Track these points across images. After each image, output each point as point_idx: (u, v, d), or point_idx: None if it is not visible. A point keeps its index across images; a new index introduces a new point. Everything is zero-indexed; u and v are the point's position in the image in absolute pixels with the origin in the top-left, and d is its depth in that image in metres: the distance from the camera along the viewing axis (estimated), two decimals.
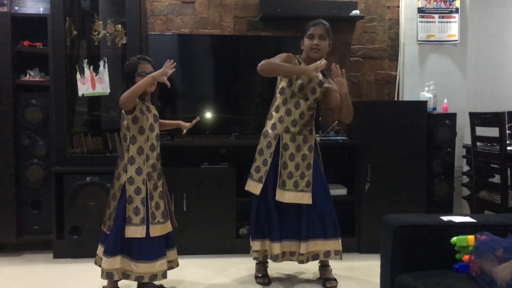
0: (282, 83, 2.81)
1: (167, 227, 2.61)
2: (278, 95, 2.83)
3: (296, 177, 2.76)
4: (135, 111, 2.50)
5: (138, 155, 2.53)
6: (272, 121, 2.82)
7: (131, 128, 2.52)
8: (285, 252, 2.82)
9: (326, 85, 2.74)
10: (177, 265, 2.73)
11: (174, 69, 2.51)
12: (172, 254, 2.67)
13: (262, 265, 2.94)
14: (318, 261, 2.91)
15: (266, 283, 2.85)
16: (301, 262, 2.79)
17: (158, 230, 2.54)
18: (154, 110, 2.61)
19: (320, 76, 2.82)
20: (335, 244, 2.80)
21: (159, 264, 2.50)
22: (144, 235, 2.48)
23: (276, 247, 2.76)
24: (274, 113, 2.83)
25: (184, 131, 2.84)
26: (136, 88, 2.42)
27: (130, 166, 2.52)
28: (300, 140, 2.78)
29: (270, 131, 2.82)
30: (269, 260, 2.92)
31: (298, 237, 2.78)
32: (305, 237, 2.75)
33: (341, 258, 2.83)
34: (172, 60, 2.51)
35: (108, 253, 2.49)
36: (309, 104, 2.79)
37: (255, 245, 2.83)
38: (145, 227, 2.48)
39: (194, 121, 2.82)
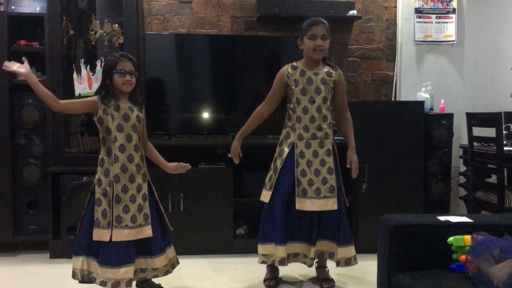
0: (288, 95, 2.79)
1: (141, 233, 2.45)
2: (287, 105, 2.82)
3: (317, 183, 2.71)
4: (98, 112, 2.43)
5: (107, 156, 2.47)
6: (286, 130, 2.81)
7: (99, 129, 2.48)
8: (290, 254, 2.76)
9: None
10: (178, 262, 2.68)
11: (17, 64, 2.28)
12: (170, 252, 2.62)
13: (272, 268, 2.89)
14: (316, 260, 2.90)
15: (272, 286, 2.82)
16: (310, 265, 2.79)
17: (125, 235, 2.41)
18: (127, 110, 2.47)
19: (325, 70, 2.76)
20: (349, 251, 2.75)
21: (123, 271, 2.37)
22: (108, 239, 2.40)
23: (281, 250, 2.70)
24: (287, 121, 2.83)
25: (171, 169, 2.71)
26: (37, 90, 2.31)
27: (100, 168, 2.48)
28: (316, 145, 2.73)
29: (284, 140, 2.81)
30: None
31: (308, 240, 2.74)
32: (314, 242, 2.72)
33: (354, 263, 2.78)
34: (5, 63, 2.29)
35: (74, 252, 2.50)
36: (318, 106, 2.72)
37: (262, 249, 2.77)
38: (109, 231, 2.40)
39: (182, 168, 2.70)
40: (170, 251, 2.63)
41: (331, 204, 2.70)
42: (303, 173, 2.72)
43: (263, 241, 2.76)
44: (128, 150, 2.47)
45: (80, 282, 2.51)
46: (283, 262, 2.71)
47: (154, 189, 2.61)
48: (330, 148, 2.77)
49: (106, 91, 2.46)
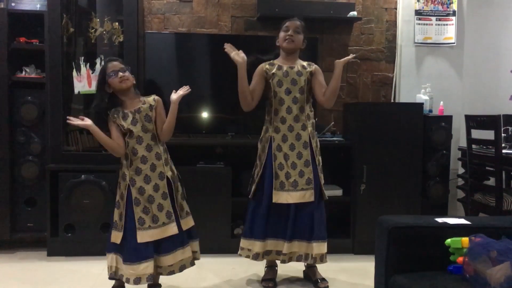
0: (267, 90, 2.83)
1: (166, 231, 2.50)
2: (266, 101, 2.86)
3: (294, 176, 2.74)
4: (116, 122, 2.50)
5: (124, 160, 2.53)
6: (265, 126, 2.86)
7: None
8: (271, 251, 2.80)
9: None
10: (198, 258, 2.68)
11: (79, 119, 2.48)
12: (194, 245, 2.65)
13: (270, 269, 2.92)
14: (304, 264, 2.91)
15: (270, 286, 2.83)
16: (283, 261, 2.80)
17: (150, 235, 2.46)
18: (134, 114, 2.51)
19: (301, 64, 2.81)
20: (320, 247, 2.75)
21: (144, 267, 2.43)
22: (119, 242, 2.47)
23: (258, 246, 2.76)
24: (266, 118, 2.87)
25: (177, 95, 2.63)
26: (101, 140, 2.49)
27: (120, 171, 2.54)
28: (293, 138, 2.76)
29: (263, 135, 2.85)
30: (279, 265, 2.93)
31: (283, 236, 2.76)
32: (289, 238, 2.74)
33: (325, 261, 2.79)
34: (69, 118, 2.50)
35: (106, 248, 2.57)
36: (294, 96, 2.76)
37: (242, 242, 2.84)
38: (121, 233, 2.46)
39: (185, 90, 2.64)
40: (187, 250, 2.59)
41: (308, 196, 2.73)
42: (280, 166, 2.76)
43: (246, 236, 2.82)
44: (140, 152, 2.50)
45: (110, 278, 2.57)
46: (257, 257, 2.77)
47: (176, 186, 2.60)
48: (307, 140, 2.78)
49: (111, 102, 2.53)
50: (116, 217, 2.52)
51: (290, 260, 2.80)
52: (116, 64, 2.50)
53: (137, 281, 2.44)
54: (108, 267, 2.55)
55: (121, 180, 2.53)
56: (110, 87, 2.52)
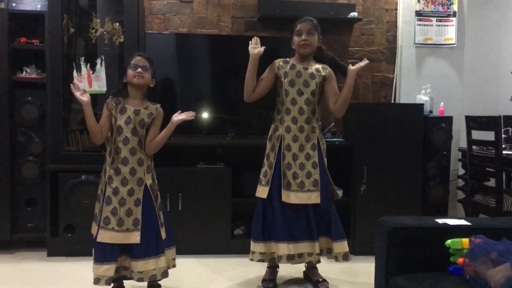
0: (277, 88, 2.82)
1: (128, 238, 2.44)
2: (277, 99, 2.85)
3: (301, 177, 2.73)
4: (112, 113, 2.49)
5: (108, 156, 2.52)
6: (275, 124, 2.84)
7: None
8: (294, 255, 2.74)
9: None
10: (174, 265, 2.64)
11: (81, 91, 2.47)
12: (171, 253, 2.60)
13: (272, 269, 2.90)
14: (305, 264, 2.91)
15: (271, 287, 2.82)
16: (317, 262, 2.80)
17: (109, 237, 2.42)
18: (131, 113, 2.48)
19: (316, 67, 2.79)
20: (342, 246, 2.76)
21: (104, 269, 2.41)
22: (94, 235, 2.48)
23: (282, 248, 2.71)
24: (275, 116, 2.86)
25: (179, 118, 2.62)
26: (87, 121, 2.48)
27: (103, 165, 2.55)
28: (302, 139, 2.76)
29: (273, 133, 2.84)
30: (280, 266, 2.91)
31: (310, 237, 2.74)
32: (317, 237, 2.74)
33: (349, 259, 2.80)
34: (74, 83, 2.50)
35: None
36: (307, 98, 2.75)
37: (258, 246, 2.77)
38: (96, 229, 2.47)
39: (188, 115, 2.61)
40: (161, 259, 2.50)
41: (314, 198, 2.73)
42: (288, 166, 2.75)
43: (265, 239, 2.76)
44: (124, 153, 2.48)
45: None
46: (280, 259, 2.71)
47: (155, 195, 2.55)
48: (316, 142, 2.78)
49: (119, 89, 2.54)
50: (96, 210, 2.53)
51: (322, 256, 2.81)
52: (140, 60, 2.53)
53: (96, 281, 2.43)
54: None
55: (103, 175, 2.53)
56: (126, 77, 2.53)
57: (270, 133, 2.87)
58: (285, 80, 2.77)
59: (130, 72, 2.50)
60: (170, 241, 2.61)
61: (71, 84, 2.49)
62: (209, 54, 3.75)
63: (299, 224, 2.74)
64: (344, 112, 2.82)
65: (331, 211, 2.77)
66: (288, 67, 2.79)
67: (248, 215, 3.44)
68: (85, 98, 2.45)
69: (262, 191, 2.79)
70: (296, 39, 2.79)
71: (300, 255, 2.76)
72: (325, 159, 2.84)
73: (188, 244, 3.39)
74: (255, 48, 2.74)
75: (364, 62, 2.74)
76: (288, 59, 2.85)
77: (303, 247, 2.75)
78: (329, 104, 2.81)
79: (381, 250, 1.97)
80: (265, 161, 2.85)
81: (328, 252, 2.82)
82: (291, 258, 2.73)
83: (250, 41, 2.77)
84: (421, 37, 3.99)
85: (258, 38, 2.78)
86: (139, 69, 2.48)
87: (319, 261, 2.81)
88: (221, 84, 3.71)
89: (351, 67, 2.73)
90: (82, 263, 3.19)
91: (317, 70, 2.80)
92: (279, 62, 2.83)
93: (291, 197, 2.72)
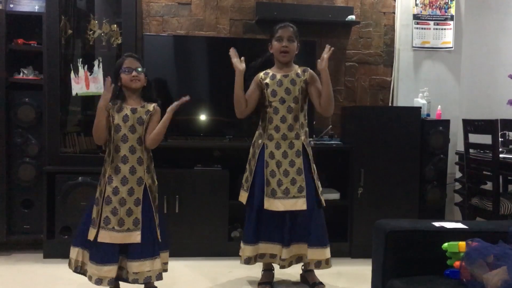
0: (262, 99, 2.82)
1: (129, 237, 2.43)
2: (262, 108, 2.85)
3: (286, 183, 2.73)
4: (109, 113, 2.49)
5: (107, 157, 2.51)
6: (259, 131, 2.86)
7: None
8: (264, 254, 2.80)
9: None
10: (165, 270, 2.61)
11: (113, 85, 2.44)
12: (164, 256, 2.58)
13: (267, 273, 2.92)
14: (302, 265, 2.91)
15: None
16: (282, 267, 2.79)
17: (109, 238, 2.41)
18: (128, 111, 2.48)
19: (295, 72, 2.79)
20: (318, 253, 2.74)
21: (107, 270, 2.40)
22: (92, 239, 2.44)
23: (248, 250, 2.76)
24: (260, 124, 2.87)
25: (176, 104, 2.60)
26: (95, 121, 2.45)
27: (102, 168, 2.53)
28: (285, 146, 2.75)
29: (256, 140, 2.86)
30: (276, 268, 2.92)
31: (280, 241, 2.75)
32: (287, 243, 2.74)
33: (325, 267, 2.78)
34: (109, 78, 2.46)
35: (72, 241, 2.57)
36: (289, 106, 2.75)
37: (245, 249, 2.81)
38: (94, 233, 2.44)
39: (182, 100, 2.60)
40: (157, 262, 2.49)
41: (300, 204, 2.71)
42: (272, 174, 2.75)
43: (248, 242, 2.81)
44: (123, 151, 2.47)
45: (74, 271, 2.56)
46: (249, 261, 2.77)
47: (154, 196, 2.55)
48: (300, 149, 2.77)
49: (116, 95, 2.52)
50: (94, 213, 2.48)
51: (290, 265, 2.80)
52: (134, 62, 2.50)
53: (99, 282, 2.42)
54: (72, 260, 2.52)
55: (102, 177, 2.52)
56: (120, 81, 2.51)
57: (254, 139, 2.89)
58: (267, 91, 2.77)
59: (124, 76, 2.49)
60: (163, 245, 2.60)
61: (107, 78, 2.45)
62: (207, 57, 3.75)
63: (272, 225, 2.76)
64: (332, 110, 2.81)
65: (312, 218, 2.75)
66: (269, 78, 2.80)
67: (245, 218, 3.44)
68: (108, 94, 2.42)
69: (243, 196, 2.86)
70: (276, 44, 2.79)
71: (271, 255, 2.79)
72: (313, 165, 2.82)
73: (185, 246, 3.38)
74: (240, 62, 2.74)
75: (327, 52, 2.68)
76: (268, 70, 2.85)
77: (274, 248, 2.77)
78: (315, 106, 2.81)
79: (378, 253, 1.97)
80: (247, 166, 2.89)
81: (297, 262, 2.81)
82: (259, 257, 2.80)
83: (229, 53, 2.74)
84: (418, 40, 4.00)
85: (234, 49, 2.76)
86: (134, 73, 2.48)
87: (283, 267, 2.78)
88: (219, 87, 3.71)
89: (318, 65, 2.69)
90: None
91: (298, 75, 2.79)
92: (260, 75, 2.83)
93: (276, 204, 2.72)
